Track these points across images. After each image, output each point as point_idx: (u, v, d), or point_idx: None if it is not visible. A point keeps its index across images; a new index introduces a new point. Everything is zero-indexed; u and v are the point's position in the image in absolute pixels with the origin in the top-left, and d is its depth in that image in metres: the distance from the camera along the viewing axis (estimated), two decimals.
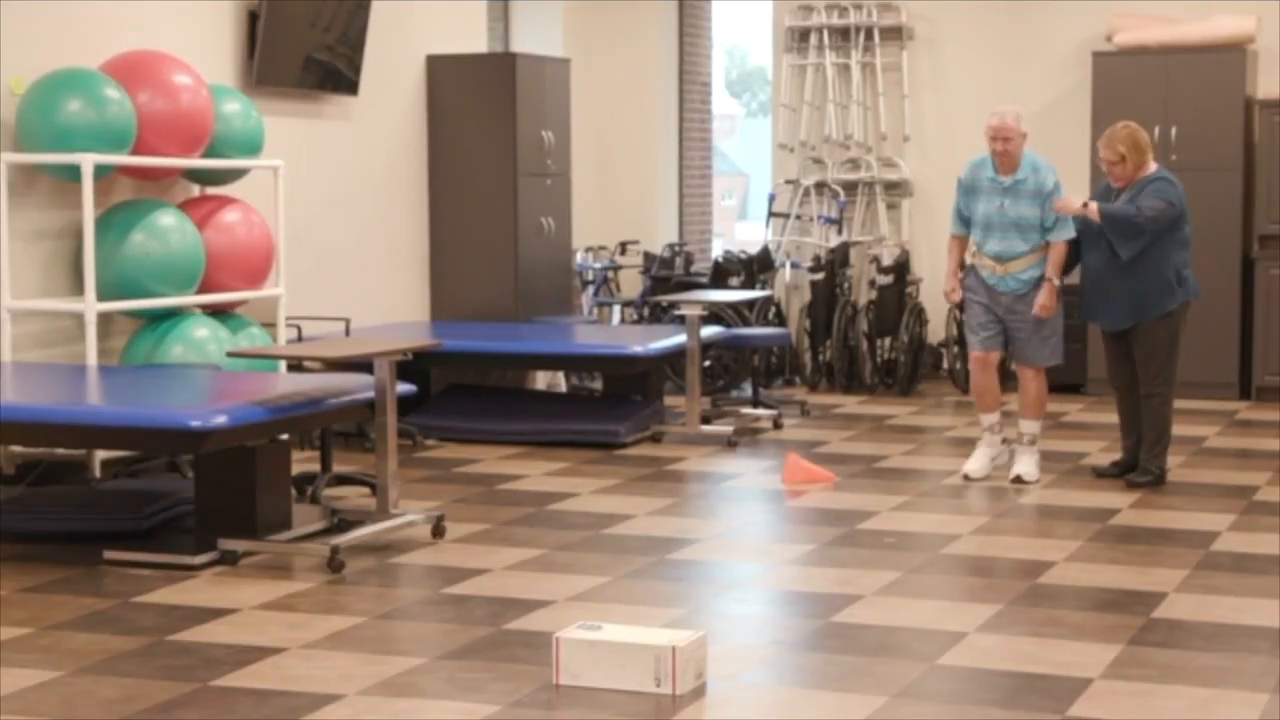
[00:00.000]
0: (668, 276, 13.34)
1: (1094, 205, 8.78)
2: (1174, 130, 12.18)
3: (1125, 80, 12.27)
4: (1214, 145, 12.16)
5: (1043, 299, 8.94)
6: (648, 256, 13.62)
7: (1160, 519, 8.12)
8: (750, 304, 12.69)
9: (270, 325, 9.95)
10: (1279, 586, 6.81)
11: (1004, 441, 9.31)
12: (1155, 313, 8.88)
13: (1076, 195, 9.09)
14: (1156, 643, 6.00)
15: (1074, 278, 9.25)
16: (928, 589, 6.83)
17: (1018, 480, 9.08)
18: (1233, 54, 12.13)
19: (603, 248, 13.69)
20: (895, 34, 13.44)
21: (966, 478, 9.18)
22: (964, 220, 9.23)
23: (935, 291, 13.03)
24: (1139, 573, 7.04)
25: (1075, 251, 9.11)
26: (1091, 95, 12.38)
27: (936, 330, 13.12)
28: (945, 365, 12.95)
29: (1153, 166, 8.97)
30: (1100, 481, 9.08)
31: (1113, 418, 11.36)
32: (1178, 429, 10.88)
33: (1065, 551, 7.45)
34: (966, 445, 10.28)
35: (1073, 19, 12.98)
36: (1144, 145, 8.87)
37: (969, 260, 9.24)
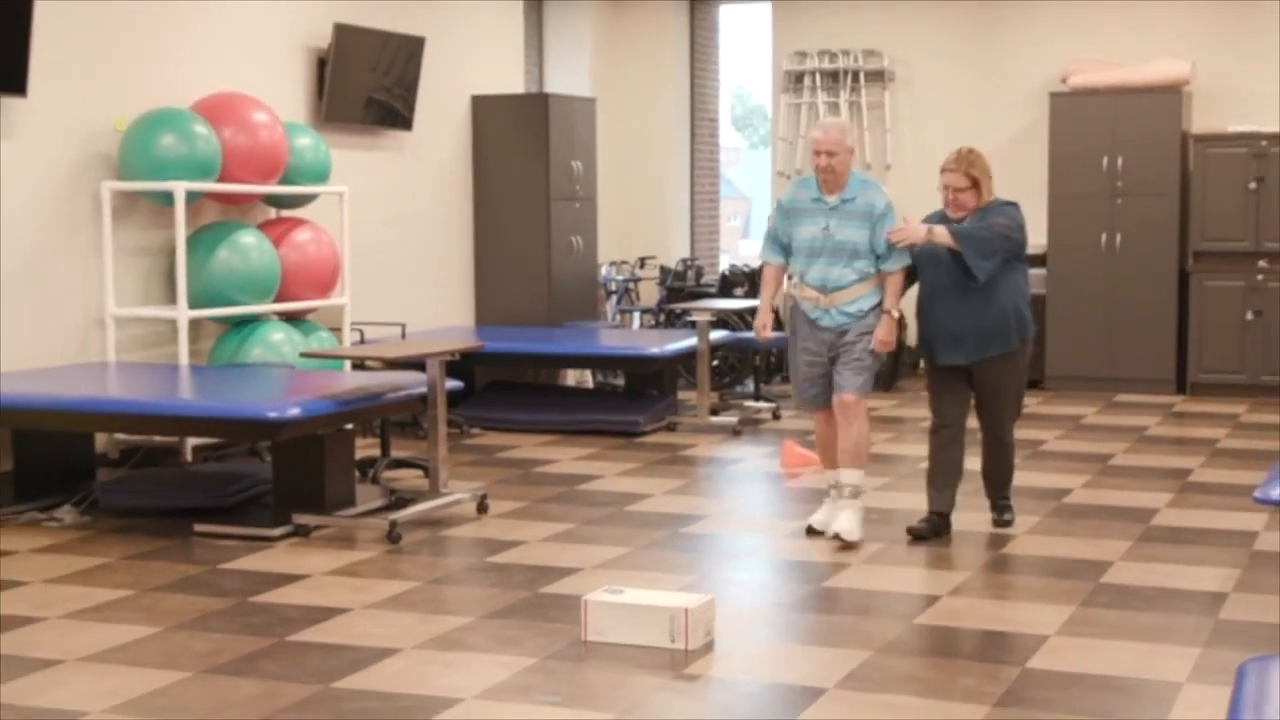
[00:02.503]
0: (681, 287, 13.37)
1: (940, 229, 7.00)
2: (1120, 160, 12.16)
3: (1078, 117, 12.26)
4: (1155, 174, 12.14)
5: (882, 333, 7.08)
6: (663, 270, 13.64)
7: (1107, 497, 8.12)
8: (753, 311, 12.67)
9: (337, 329, 9.97)
10: (1210, 555, 6.81)
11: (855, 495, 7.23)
12: (1007, 346, 7.14)
13: (915, 222, 7.29)
14: (1104, 604, 6.01)
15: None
16: (906, 558, 6.84)
17: (836, 538, 7.03)
18: (1170, 95, 12.11)
19: (624, 262, 13.68)
20: (878, 77, 13.44)
21: (810, 530, 7.21)
22: (781, 247, 7.28)
23: (912, 299, 13.01)
24: (1089, 544, 7.05)
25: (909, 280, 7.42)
26: (1049, 130, 12.36)
27: (912, 334, 13.10)
28: (921, 365, 12.93)
29: (995, 195, 7.20)
30: (1057, 463, 9.06)
31: (1072, 408, 11.35)
32: (1121, 418, 10.86)
33: (1025, 525, 7.45)
34: None
35: (1032, 64, 12.97)
36: (991, 172, 7.16)
37: (789, 292, 7.50)
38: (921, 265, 7.20)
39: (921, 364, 13.05)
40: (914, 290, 7.40)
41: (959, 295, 7.09)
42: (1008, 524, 7.38)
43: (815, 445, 7.50)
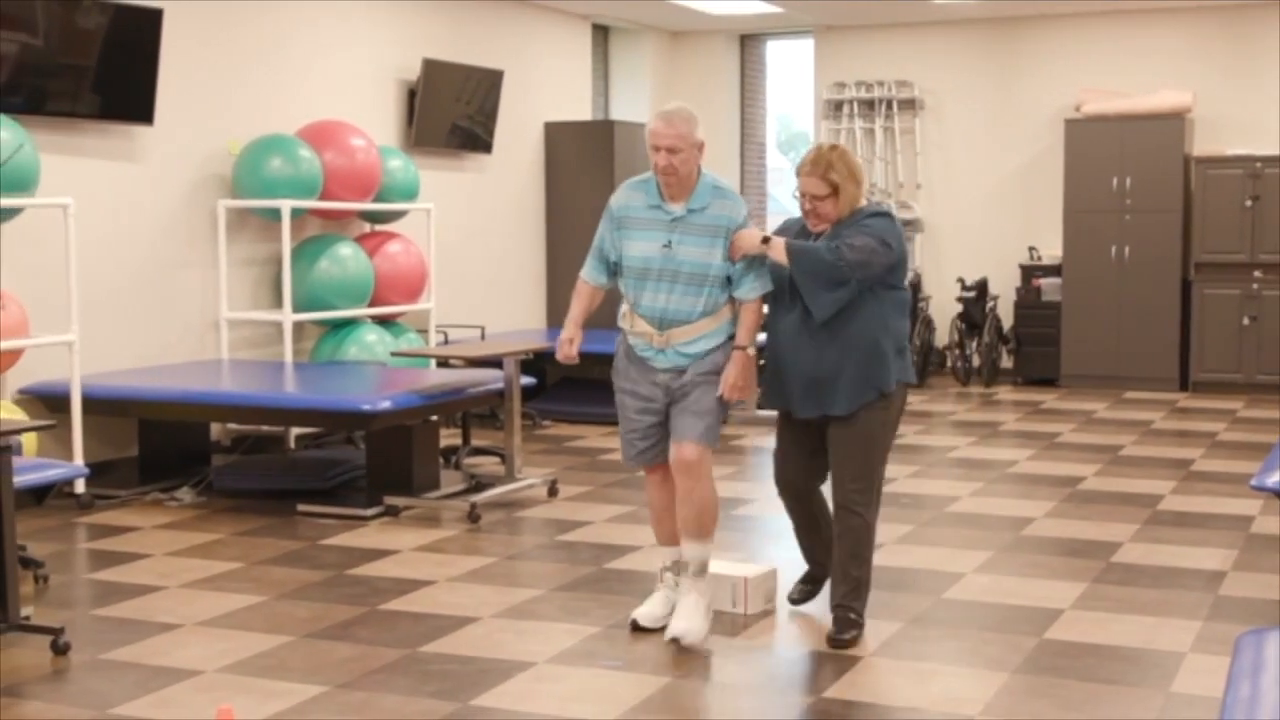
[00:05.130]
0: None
1: (778, 241, 4.98)
2: (1128, 181, 12.05)
3: (1090, 142, 12.15)
4: (1160, 193, 12.03)
5: (733, 376, 5.02)
6: None
7: (1116, 485, 8.04)
8: None
9: (423, 331, 10.00)
10: (1210, 537, 6.73)
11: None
12: (866, 397, 5.01)
13: (756, 228, 5.09)
14: (1114, 581, 5.94)
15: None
16: (935, 539, 6.79)
17: (674, 642, 5.03)
18: (1174, 121, 11.99)
19: None
20: (910, 105, 13.36)
21: (635, 624, 5.23)
22: (604, 264, 5.22)
23: (941, 305, 12.96)
24: (1100, 526, 6.98)
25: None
26: (1064, 153, 12.26)
27: (941, 336, 13.06)
28: (948, 364, 12.85)
29: (864, 201, 5.13)
30: (1071, 453, 8.98)
31: (1084, 404, 11.27)
32: (1129, 413, 10.76)
33: (1043, 509, 7.38)
34: (966, 427, 10.20)
35: (1048, 93, 12.86)
36: (861, 174, 5.07)
37: (621, 325, 5.21)
38: (773, 292, 5.15)
39: (947, 363, 13.08)
40: None
41: (806, 330, 5.04)
42: (844, 643, 5.02)
43: (649, 511, 5.41)
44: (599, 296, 5.29)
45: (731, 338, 5.10)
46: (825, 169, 4.98)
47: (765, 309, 5.20)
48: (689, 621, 5.05)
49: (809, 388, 5.06)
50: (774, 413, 5.32)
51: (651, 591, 5.45)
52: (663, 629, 5.14)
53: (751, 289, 5.06)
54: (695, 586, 5.13)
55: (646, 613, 5.25)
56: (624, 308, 5.17)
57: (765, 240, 4.99)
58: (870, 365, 5.00)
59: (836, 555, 5.14)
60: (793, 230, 5.19)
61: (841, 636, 5.04)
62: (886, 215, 5.06)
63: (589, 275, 5.28)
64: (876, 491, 5.13)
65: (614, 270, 5.19)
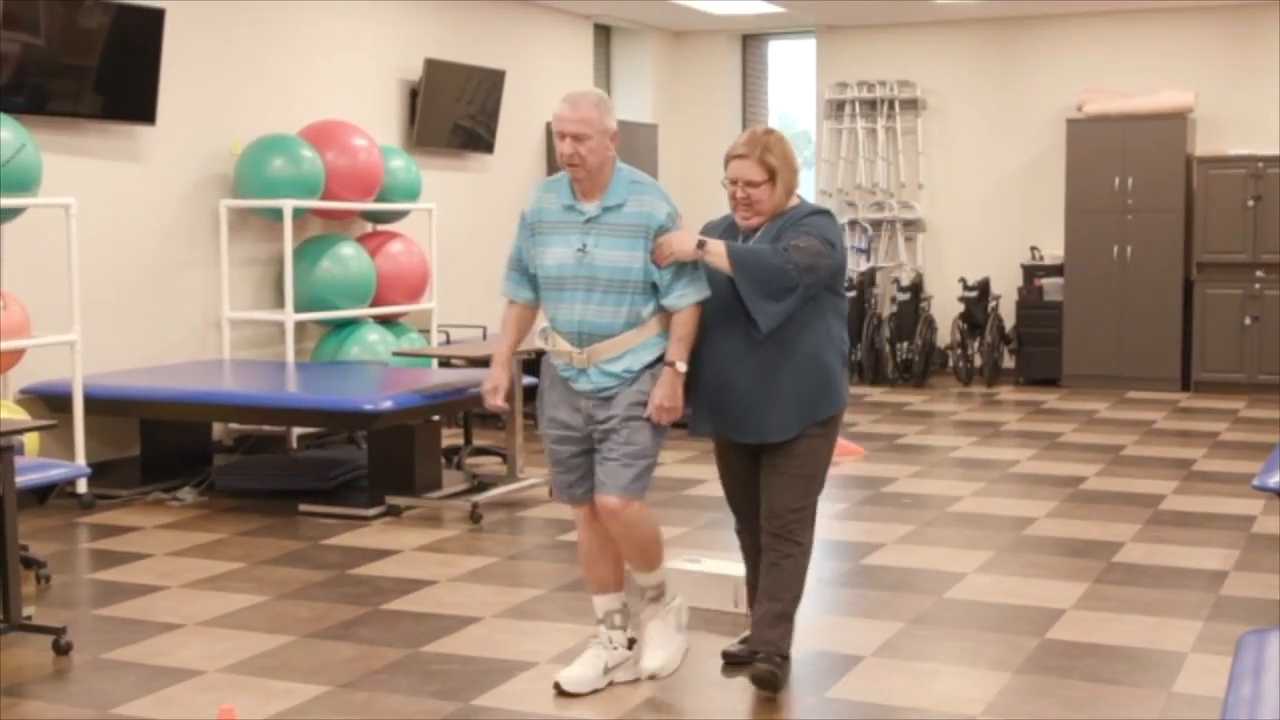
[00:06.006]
0: None
1: (718, 245, 4.35)
2: (1130, 180, 12.04)
3: (1092, 142, 12.13)
4: (1162, 193, 12.02)
5: (661, 395, 4.39)
6: None
7: (1118, 484, 8.03)
8: None
9: (425, 331, 10.00)
10: (1212, 537, 6.73)
11: (630, 644, 4.67)
12: (809, 420, 4.48)
13: (687, 230, 4.47)
14: (1115, 581, 5.94)
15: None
16: (936, 539, 6.79)
17: (652, 678, 4.62)
18: (1176, 121, 11.98)
19: None
20: (912, 105, 13.34)
21: (558, 688, 4.55)
22: (525, 276, 4.62)
23: (943, 305, 12.95)
24: (1102, 526, 6.97)
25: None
26: (1066, 153, 12.24)
27: (943, 336, 13.05)
28: (950, 364, 12.84)
29: (797, 199, 4.57)
30: (1073, 453, 8.97)
31: (1086, 404, 11.26)
32: (1131, 413, 10.75)
33: (1045, 509, 7.38)
34: (968, 427, 10.20)
35: (1050, 93, 12.85)
36: (798, 166, 4.52)
37: (539, 344, 4.62)
38: (709, 302, 4.47)
39: (949, 363, 13.08)
40: None
41: (746, 345, 4.43)
42: (768, 684, 4.52)
43: (579, 556, 4.74)
44: (529, 316, 4.68)
45: (664, 356, 4.45)
46: (762, 151, 4.44)
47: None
48: (663, 651, 4.59)
49: (749, 410, 4.46)
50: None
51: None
52: (594, 691, 4.56)
53: (683, 296, 4.41)
54: (656, 612, 4.66)
55: (574, 676, 4.56)
56: (543, 324, 4.58)
57: (700, 245, 4.34)
58: (818, 384, 4.47)
59: (768, 587, 4.58)
60: (717, 231, 4.57)
61: (764, 669, 4.53)
62: (826, 213, 4.52)
63: (511, 291, 4.65)
64: (813, 517, 4.62)
65: (533, 281, 4.60)
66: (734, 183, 4.47)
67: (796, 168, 4.49)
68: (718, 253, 4.34)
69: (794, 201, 4.55)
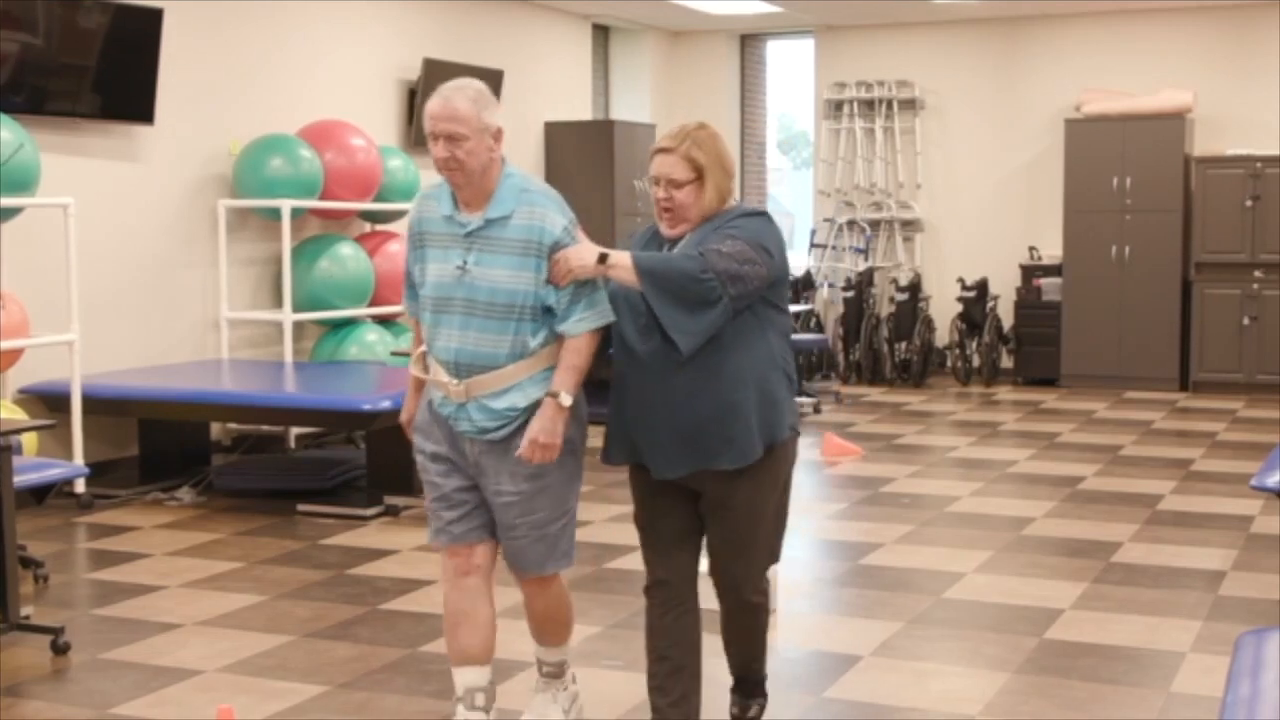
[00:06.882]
0: None
1: (623, 256, 3.65)
2: (1129, 180, 12.04)
3: (1091, 142, 12.14)
4: (1160, 193, 12.02)
5: (534, 429, 3.72)
6: None
7: (1117, 484, 8.04)
8: (796, 315, 12.63)
9: None
10: (1210, 537, 6.73)
11: None
12: (743, 454, 3.70)
13: (589, 242, 3.78)
14: (1114, 581, 5.94)
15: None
16: (935, 538, 6.79)
17: None
18: (1174, 121, 11.99)
19: None
20: (910, 105, 13.35)
21: None
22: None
23: (942, 305, 12.96)
24: (1100, 526, 6.98)
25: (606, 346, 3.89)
26: (1064, 153, 12.25)
27: (941, 336, 13.06)
28: (949, 364, 12.85)
29: (734, 201, 3.87)
30: (1071, 453, 8.97)
31: (1085, 404, 11.27)
32: (1130, 413, 10.76)
33: (1043, 509, 7.38)
34: (966, 427, 10.20)
35: (1049, 93, 12.86)
36: (733, 165, 3.81)
37: (415, 370, 3.95)
38: (627, 322, 3.79)
39: (947, 363, 13.09)
40: None
41: (669, 369, 3.71)
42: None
43: (445, 619, 3.96)
44: None
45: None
46: (689, 145, 3.73)
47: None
48: None
49: (662, 440, 3.75)
50: None
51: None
52: None
53: (580, 321, 3.73)
54: (550, 685, 4.11)
55: None
56: (419, 349, 3.93)
57: (603, 259, 3.66)
58: (760, 410, 3.71)
59: (729, 635, 4.05)
60: (639, 243, 3.90)
61: (749, 714, 4.17)
62: (763, 215, 3.80)
63: (413, 310, 3.97)
64: (769, 559, 3.96)
65: None
66: (657, 182, 3.76)
67: (730, 170, 3.79)
68: (623, 264, 3.63)
69: (728, 202, 3.83)
